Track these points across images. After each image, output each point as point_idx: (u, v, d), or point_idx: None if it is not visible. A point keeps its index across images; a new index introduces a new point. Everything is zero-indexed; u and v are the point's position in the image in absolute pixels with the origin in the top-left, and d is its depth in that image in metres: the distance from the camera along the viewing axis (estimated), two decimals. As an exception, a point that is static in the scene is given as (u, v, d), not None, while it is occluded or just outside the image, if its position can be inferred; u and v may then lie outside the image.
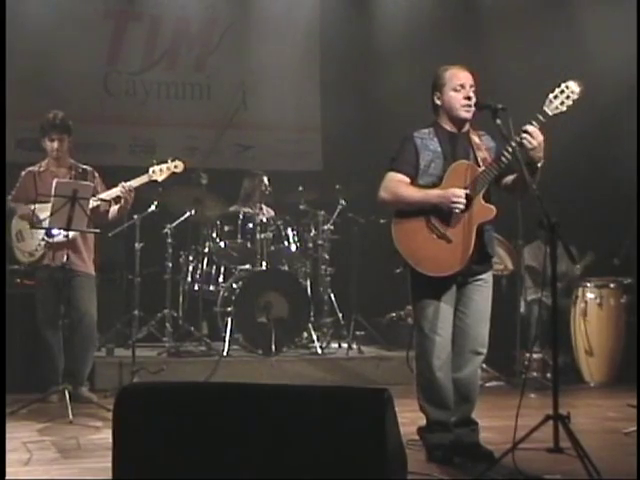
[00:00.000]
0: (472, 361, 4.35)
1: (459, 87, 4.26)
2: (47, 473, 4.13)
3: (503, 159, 4.11)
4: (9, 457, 4.27)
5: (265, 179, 7.60)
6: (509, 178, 4.29)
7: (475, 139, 4.31)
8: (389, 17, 8.69)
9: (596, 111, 6.69)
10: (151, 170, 5.88)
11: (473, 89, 4.27)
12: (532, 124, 4.06)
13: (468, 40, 8.22)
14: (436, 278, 4.22)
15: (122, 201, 5.83)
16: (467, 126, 4.33)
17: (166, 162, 5.93)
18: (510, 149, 4.07)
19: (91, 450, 4.61)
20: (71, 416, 5.23)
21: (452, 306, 4.32)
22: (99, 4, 8.64)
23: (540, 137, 4.06)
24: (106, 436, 4.33)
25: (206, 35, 8.95)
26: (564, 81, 4.10)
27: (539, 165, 4.13)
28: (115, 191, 5.83)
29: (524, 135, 4.04)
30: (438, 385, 4.29)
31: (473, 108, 4.25)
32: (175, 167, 5.95)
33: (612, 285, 7.24)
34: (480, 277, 4.33)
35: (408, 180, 4.27)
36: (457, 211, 4.16)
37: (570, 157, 7.53)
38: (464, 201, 4.14)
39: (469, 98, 4.24)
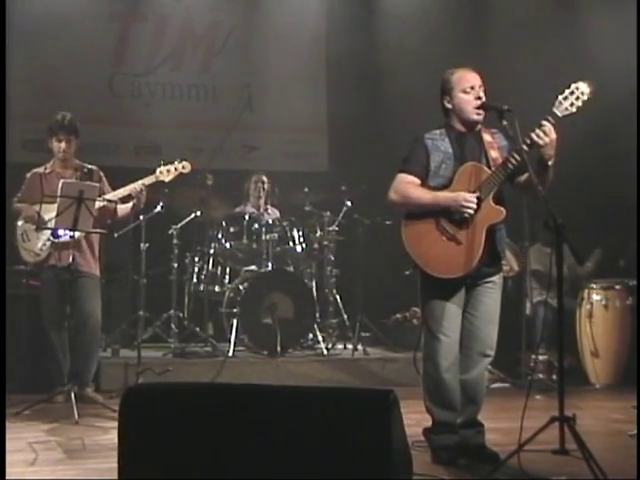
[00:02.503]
0: (480, 363, 4.35)
1: (469, 89, 4.25)
2: (53, 473, 4.13)
3: (510, 164, 4.10)
4: (15, 457, 4.29)
5: (263, 177, 7.64)
6: (521, 177, 4.27)
7: (487, 137, 4.29)
8: (395, 18, 8.69)
9: (602, 111, 6.68)
10: (158, 171, 5.90)
11: (482, 89, 4.27)
12: (548, 120, 4.03)
13: (474, 42, 8.23)
14: (445, 280, 4.21)
15: (135, 200, 5.85)
16: (479, 125, 4.32)
17: (173, 163, 5.94)
18: (517, 153, 4.06)
19: (96, 451, 4.61)
20: (77, 417, 5.24)
21: (460, 308, 4.32)
22: (104, 6, 8.64)
23: (553, 135, 4.03)
24: (112, 437, 4.37)
25: (211, 36, 8.96)
26: (574, 82, 4.08)
27: (550, 163, 4.12)
28: (125, 190, 5.85)
29: (537, 131, 4.01)
30: (445, 386, 4.29)
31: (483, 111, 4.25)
32: (183, 168, 5.97)
33: (618, 287, 7.23)
34: (490, 279, 4.32)
35: (418, 181, 4.26)
36: (467, 215, 4.16)
37: (575, 158, 7.51)
38: (475, 205, 4.13)
39: (479, 98, 4.23)
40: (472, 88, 4.25)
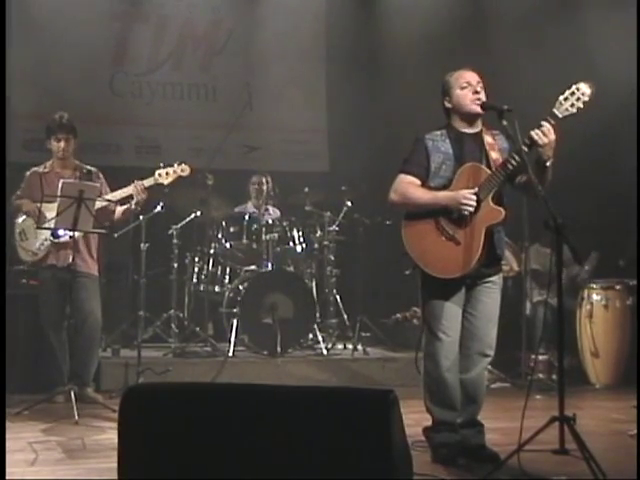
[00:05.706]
0: (479, 363, 4.36)
1: (465, 84, 4.26)
2: (53, 473, 4.13)
3: (509, 164, 4.10)
4: (15, 457, 4.30)
5: (263, 179, 7.67)
6: (521, 178, 4.27)
7: (488, 139, 4.29)
8: (396, 17, 8.69)
9: (602, 110, 6.68)
10: (157, 173, 5.91)
11: (480, 85, 4.27)
12: (548, 121, 4.03)
13: (475, 43, 8.23)
14: (445, 279, 4.22)
15: (133, 200, 5.85)
16: (479, 125, 4.32)
17: (172, 166, 5.95)
18: (517, 154, 4.05)
19: (96, 450, 4.62)
20: (77, 416, 5.25)
21: (460, 307, 4.32)
22: (105, 5, 8.65)
23: (552, 135, 4.02)
24: (111, 436, 4.36)
25: (212, 36, 8.97)
26: (575, 82, 4.08)
27: (548, 164, 4.12)
28: (123, 192, 5.85)
29: (537, 131, 4.01)
30: (446, 386, 4.29)
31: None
32: (182, 171, 5.97)
33: (618, 287, 7.22)
34: (489, 279, 4.33)
35: (419, 182, 4.27)
36: (466, 213, 4.15)
37: (575, 158, 7.50)
38: (474, 203, 4.13)
39: (477, 92, 4.24)
40: (469, 84, 4.26)
